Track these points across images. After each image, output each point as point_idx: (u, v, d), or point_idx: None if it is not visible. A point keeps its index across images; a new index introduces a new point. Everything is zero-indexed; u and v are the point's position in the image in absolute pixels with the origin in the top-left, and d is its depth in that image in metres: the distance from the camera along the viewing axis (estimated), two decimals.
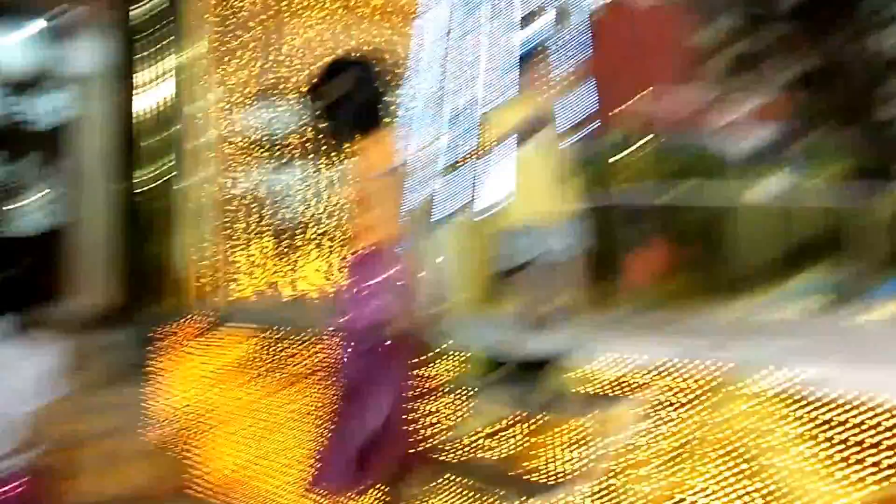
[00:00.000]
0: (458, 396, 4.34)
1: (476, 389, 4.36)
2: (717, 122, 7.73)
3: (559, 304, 5.11)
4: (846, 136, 8.13)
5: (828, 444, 3.12)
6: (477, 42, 10.58)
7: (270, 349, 6.10)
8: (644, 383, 3.78)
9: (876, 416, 3.00)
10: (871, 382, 3.04)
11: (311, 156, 10.37)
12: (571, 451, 3.92)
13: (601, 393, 3.93)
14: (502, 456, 4.29)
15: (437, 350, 4.78)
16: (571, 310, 5.06)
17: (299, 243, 10.23)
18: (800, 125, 8.08)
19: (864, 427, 3.03)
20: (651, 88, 7.71)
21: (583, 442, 3.87)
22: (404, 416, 3.67)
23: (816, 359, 3.52)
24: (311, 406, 5.46)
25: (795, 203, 7.30)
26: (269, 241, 10.15)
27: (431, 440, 3.95)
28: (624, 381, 3.87)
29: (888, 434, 2.96)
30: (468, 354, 4.71)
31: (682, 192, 7.02)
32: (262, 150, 10.22)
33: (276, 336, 6.07)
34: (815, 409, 3.17)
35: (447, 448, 4.22)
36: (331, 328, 3.66)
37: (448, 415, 4.45)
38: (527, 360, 4.35)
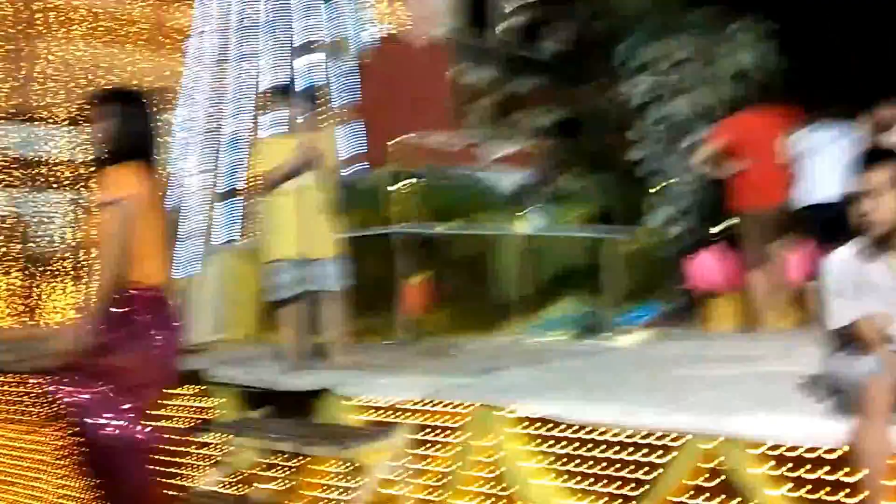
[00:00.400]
0: (224, 433, 4.26)
1: (242, 425, 4.30)
2: (482, 161, 8.12)
3: (327, 337, 5.15)
4: (596, 179, 8.78)
5: (576, 475, 3.34)
6: (250, 71, 10.50)
7: (13, 389, 5.70)
8: (407, 417, 3.89)
9: (620, 447, 3.25)
10: (613, 415, 3.29)
11: (66, 183, 9.80)
12: (337, 487, 3.96)
13: (366, 427, 4.00)
14: (268, 493, 4.25)
15: (203, 385, 4.68)
16: (339, 343, 5.11)
17: (52, 274, 9.60)
18: (554, 168, 8.64)
19: (608, 459, 3.27)
20: (422, 125, 7.96)
21: (348, 476, 3.92)
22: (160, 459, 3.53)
23: (567, 391, 3.79)
24: (60, 450, 5.15)
25: (550, 240, 7.77)
26: (19, 270, 9.45)
27: (192, 479, 3.85)
28: (388, 415, 3.97)
29: (631, 465, 3.21)
30: (234, 389, 4.65)
31: (449, 227, 7.28)
32: (10, 174, 9.53)
33: (21, 374, 5.67)
34: (565, 441, 3.39)
35: (212, 487, 4.13)
36: (78, 366, 3.34)
37: (213, 453, 4.36)
38: (293, 395, 4.34)
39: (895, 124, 6.48)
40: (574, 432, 3.36)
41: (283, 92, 5.42)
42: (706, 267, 7.39)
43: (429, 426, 3.82)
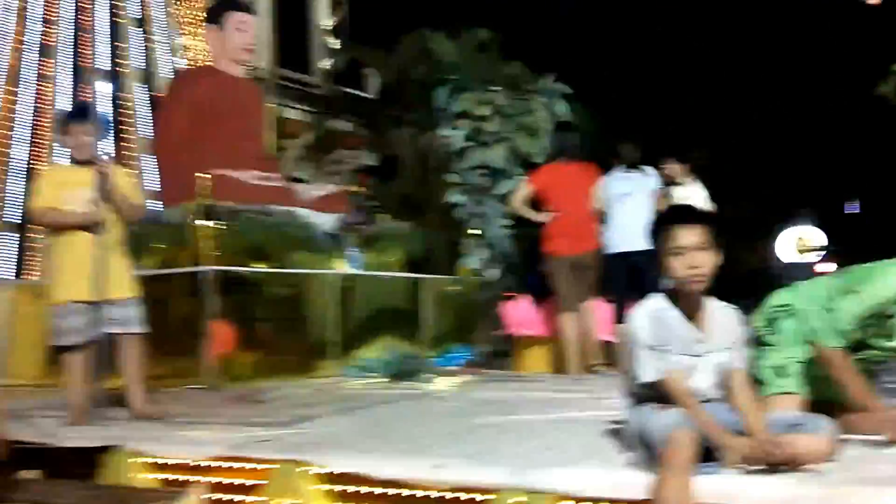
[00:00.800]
0: None
1: (12, 488, 3.84)
2: (299, 199, 7.89)
3: (122, 385, 4.76)
4: (415, 222, 8.78)
5: None
6: (44, 95, 9.80)
7: None
8: (203, 476, 3.61)
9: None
10: (423, 469, 3.16)
11: None
12: None
13: (158, 488, 3.68)
14: None
15: None
16: (136, 392, 4.72)
17: None
18: (373, 209, 8.57)
19: None
20: (236, 161, 7.67)
21: None
22: None
23: (378, 443, 3.65)
24: None
25: (368, 281, 7.67)
26: None
27: None
28: (183, 474, 3.67)
29: None
30: (7, 445, 4.17)
31: (262, 266, 7.03)
32: None
33: None
34: (374, 499, 3.22)
35: None
36: None
37: None
38: (76, 451, 3.96)
39: (679, 179, 6.88)
40: (383, 489, 3.21)
41: (79, 118, 4.98)
42: (520, 311, 7.52)
43: (227, 485, 3.55)
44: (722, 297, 3.09)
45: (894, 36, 13.77)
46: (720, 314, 3.03)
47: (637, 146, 7.03)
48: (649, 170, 7.03)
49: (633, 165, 6.94)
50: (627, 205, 6.72)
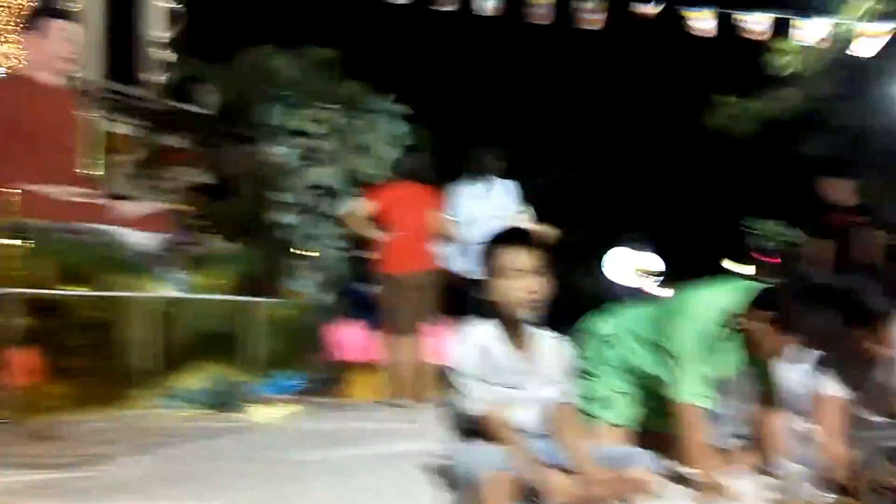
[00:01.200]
0: None
1: None
2: (116, 217, 7.35)
3: None
4: (241, 242, 8.40)
5: None
6: None
7: None
8: None
9: None
10: None
11: None
12: None
13: None
14: None
15: None
16: None
17: None
18: (197, 228, 8.15)
19: None
20: (44, 175, 7.07)
21: None
22: None
23: (175, 488, 3.31)
24: None
25: (189, 305, 7.24)
26: None
27: None
28: None
29: None
30: None
31: (69, 288, 6.51)
32: None
33: None
34: None
35: None
36: None
37: None
38: None
39: None
40: None
41: None
42: (352, 335, 7.27)
43: None
44: (551, 324, 2.95)
45: (722, 67, 14.63)
46: (548, 344, 2.88)
47: (498, 155, 6.91)
48: (509, 183, 6.92)
49: (489, 175, 6.82)
50: (484, 225, 6.57)
